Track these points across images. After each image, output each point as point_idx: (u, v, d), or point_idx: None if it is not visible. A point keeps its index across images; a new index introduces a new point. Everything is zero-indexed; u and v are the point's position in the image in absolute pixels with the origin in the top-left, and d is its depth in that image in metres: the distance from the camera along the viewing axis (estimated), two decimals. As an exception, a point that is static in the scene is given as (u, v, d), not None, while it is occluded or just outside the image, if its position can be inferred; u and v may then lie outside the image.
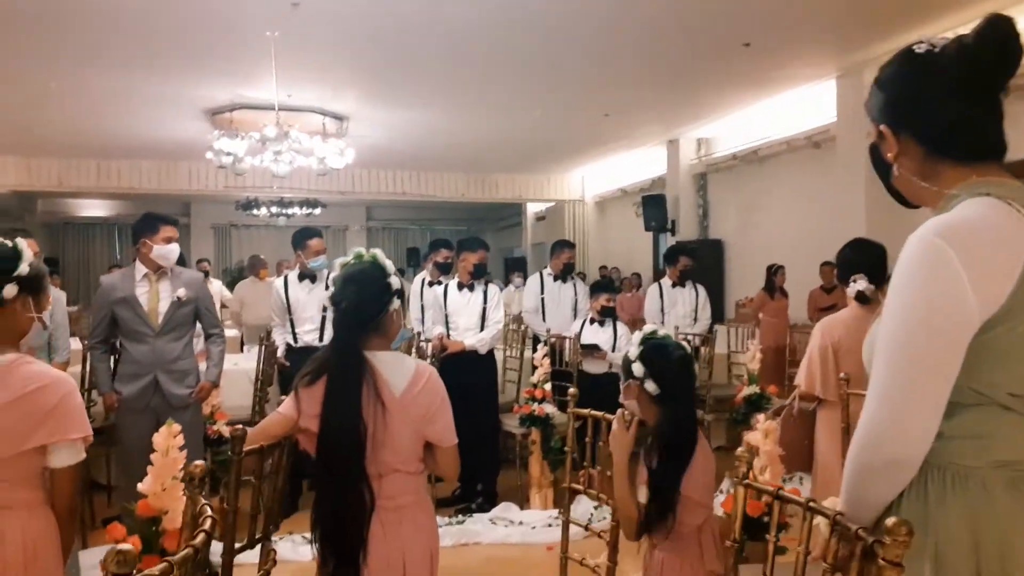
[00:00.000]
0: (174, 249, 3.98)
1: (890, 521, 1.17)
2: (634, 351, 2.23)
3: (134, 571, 1.08)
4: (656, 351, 2.21)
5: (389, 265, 2.26)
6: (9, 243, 2.06)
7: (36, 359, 2.06)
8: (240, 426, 1.97)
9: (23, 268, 2.02)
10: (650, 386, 2.17)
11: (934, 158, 1.31)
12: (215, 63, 6.78)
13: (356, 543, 2.04)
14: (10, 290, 1.98)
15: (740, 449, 1.69)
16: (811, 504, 1.47)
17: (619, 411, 2.24)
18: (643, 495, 2.12)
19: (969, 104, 1.26)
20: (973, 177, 1.27)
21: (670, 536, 2.13)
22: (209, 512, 1.41)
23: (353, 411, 2.03)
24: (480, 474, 4.82)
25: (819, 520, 1.45)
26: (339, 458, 2.03)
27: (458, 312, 5.02)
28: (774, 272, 8.12)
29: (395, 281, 2.23)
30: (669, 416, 2.16)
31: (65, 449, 1.95)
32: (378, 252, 2.29)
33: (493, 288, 5.12)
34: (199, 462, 1.63)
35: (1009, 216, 1.20)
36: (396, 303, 2.22)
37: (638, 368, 2.20)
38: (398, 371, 2.13)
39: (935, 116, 1.29)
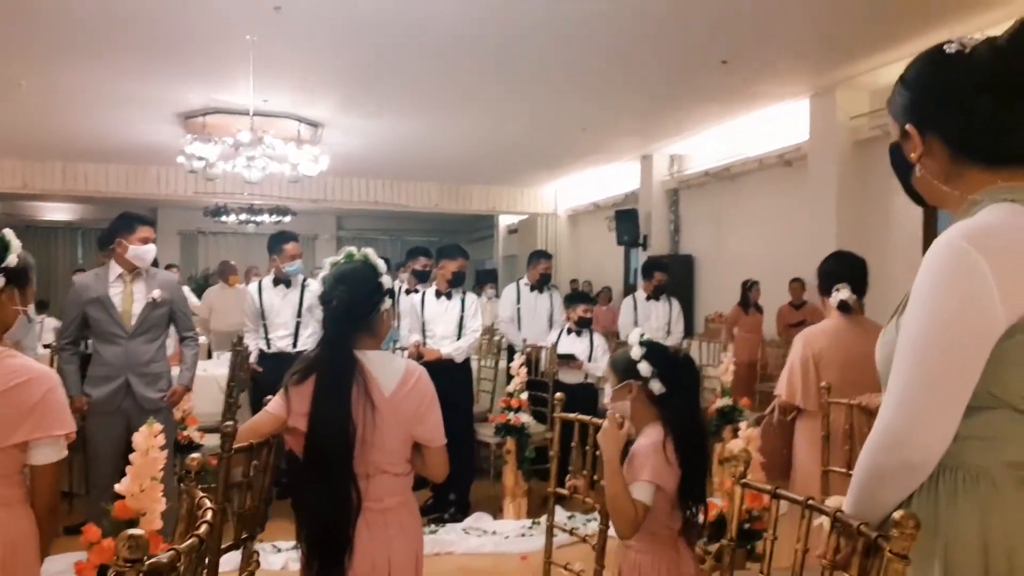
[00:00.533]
0: (150, 250, 3.92)
1: (898, 514, 1.17)
2: (637, 351, 2.22)
3: (144, 557, 1.06)
4: (661, 352, 2.24)
5: (381, 264, 2.26)
6: (-5, 235, 2.01)
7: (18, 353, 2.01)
8: (231, 423, 1.93)
9: (11, 259, 1.98)
10: (655, 385, 2.19)
11: (960, 160, 1.30)
12: (191, 65, 6.70)
13: (342, 544, 2.01)
14: (-4, 281, 1.93)
15: (737, 450, 1.70)
16: (810, 502, 1.49)
17: (610, 411, 2.23)
18: (638, 491, 2.10)
19: (999, 106, 1.25)
20: (999, 182, 1.26)
21: (649, 538, 2.16)
22: (209, 504, 1.39)
23: (343, 410, 2.01)
24: (453, 483, 4.79)
25: (821, 519, 1.45)
26: (327, 457, 2.01)
27: (435, 320, 5.01)
28: (748, 287, 8.22)
29: (386, 280, 2.23)
30: (678, 414, 2.17)
31: (48, 446, 1.91)
32: (369, 252, 2.28)
33: (471, 296, 5.12)
34: (195, 455, 1.60)
35: None
36: (387, 303, 2.21)
37: (645, 368, 2.19)
38: (388, 371, 2.11)
39: (964, 117, 1.28)
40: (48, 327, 6.92)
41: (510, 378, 4.95)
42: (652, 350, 2.23)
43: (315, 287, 5.13)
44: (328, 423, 2.00)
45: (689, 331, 8.48)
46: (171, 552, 1.18)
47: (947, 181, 1.32)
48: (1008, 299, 1.16)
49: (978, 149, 1.28)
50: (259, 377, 4.83)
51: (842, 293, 3.07)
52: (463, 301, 5.04)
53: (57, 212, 15.76)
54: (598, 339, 5.44)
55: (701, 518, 2.23)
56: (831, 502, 1.46)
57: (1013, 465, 1.22)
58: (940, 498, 1.24)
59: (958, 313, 1.18)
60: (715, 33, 5.79)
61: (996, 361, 1.19)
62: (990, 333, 1.17)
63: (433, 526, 4.52)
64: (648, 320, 6.27)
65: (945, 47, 1.30)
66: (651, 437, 2.17)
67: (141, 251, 3.86)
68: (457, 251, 5.11)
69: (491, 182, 13.18)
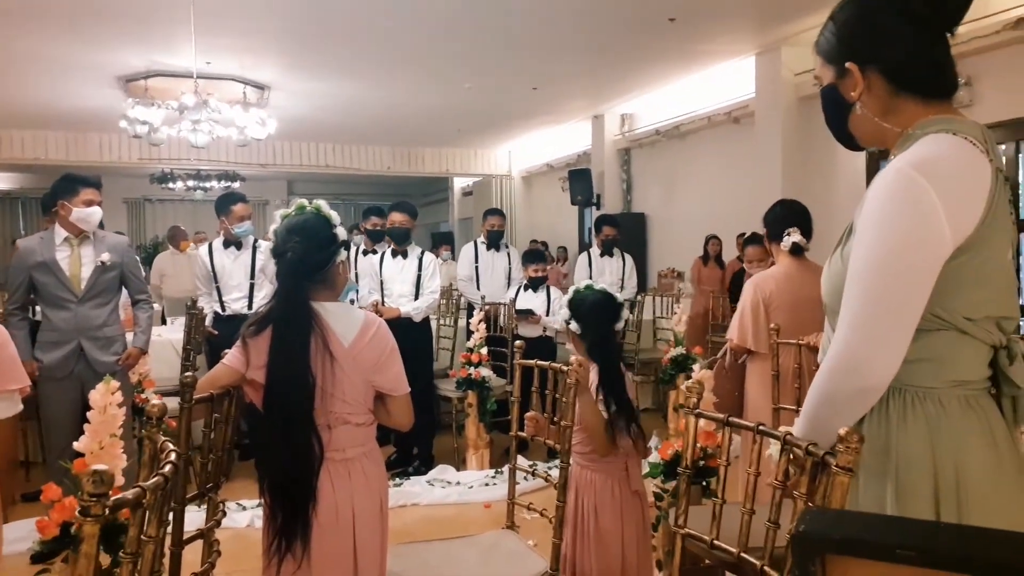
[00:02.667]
0: (95, 212, 3.83)
1: (843, 430, 1.23)
2: (564, 301, 2.66)
3: (109, 492, 1.07)
4: (577, 299, 2.61)
5: (334, 216, 2.21)
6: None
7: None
8: (190, 374, 1.92)
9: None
10: (574, 326, 2.59)
11: (899, 95, 1.34)
12: (129, 26, 6.49)
13: (305, 495, 2.01)
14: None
15: (689, 382, 1.76)
16: (761, 427, 1.55)
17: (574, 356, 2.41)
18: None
19: (932, 40, 1.31)
20: (930, 115, 1.32)
21: (603, 459, 2.47)
22: (172, 447, 1.39)
23: (301, 362, 1.99)
24: (415, 438, 4.84)
25: (771, 449, 1.51)
26: (287, 409, 1.99)
27: (392, 279, 5.00)
28: (707, 241, 8.36)
29: (341, 232, 2.20)
30: (593, 344, 2.55)
31: (2, 401, 1.89)
32: (322, 203, 2.24)
33: (428, 256, 5.09)
34: (156, 402, 1.60)
35: (971, 151, 1.26)
36: (343, 254, 2.19)
37: (564, 313, 2.63)
38: (346, 322, 2.10)
39: (905, 51, 1.32)
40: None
41: (470, 335, 4.99)
42: (572, 298, 2.62)
43: (266, 247, 5.08)
44: (287, 375, 1.98)
45: (643, 286, 8.60)
46: (136, 489, 1.19)
47: (884, 117, 1.36)
48: (954, 222, 1.22)
49: (916, 83, 1.33)
50: (215, 340, 4.78)
51: (794, 236, 3.16)
52: (420, 260, 5.02)
53: (-5, 181, 15.23)
54: (555, 292, 5.49)
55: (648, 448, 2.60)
56: (781, 429, 1.52)
57: (958, 384, 1.28)
58: (891, 420, 1.29)
59: (910, 238, 1.23)
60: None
61: (942, 283, 1.24)
62: (939, 256, 1.23)
63: (398, 479, 4.58)
64: (602, 275, 6.34)
65: None
66: (596, 368, 2.53)
67: (85, 213, 3.77)
68: (403, 206, 5.07)
69: (443, 144, 13.08)
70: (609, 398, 2.44)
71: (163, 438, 1.47)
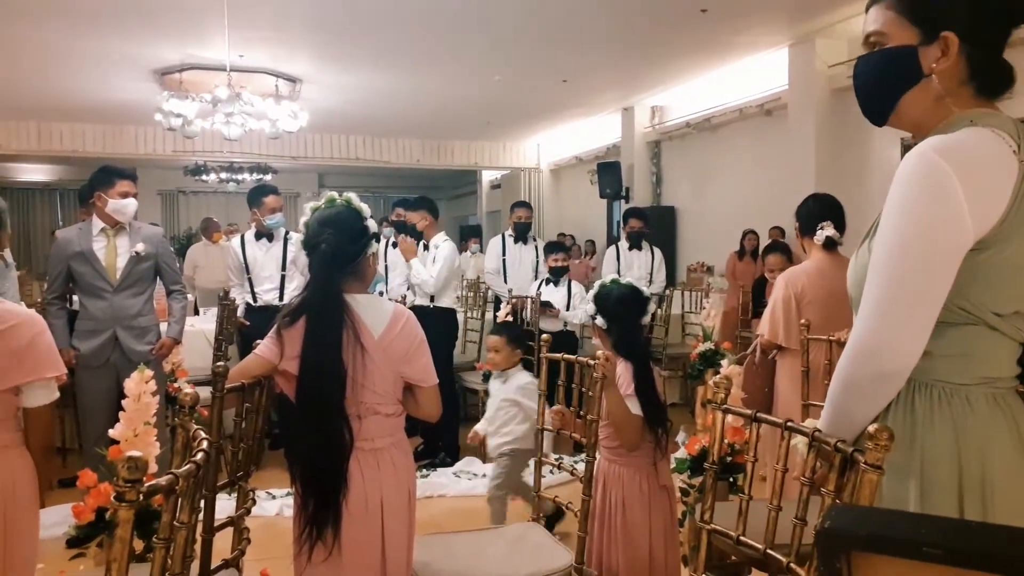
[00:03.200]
0: (130, 204, 3.89)
1: (872, 427, 1.22)
2: (590, 296, 2.66)
3: (143, 479, 1.09)
4: (603, 293, 2.63)
5: (365, 208, 2.24)
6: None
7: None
8: (222, 364, 1.95)
9: (-12, 205, 1.98)
10: (599, 321, 2.61)
11: (967, 83, 1.29)
12: (164, 20, 6.58)
13: (336, 484, 2.04)
14: (-25, 226, 1.94)
15: (717, 378, 1.75)
16: (789, 423, 1.54)
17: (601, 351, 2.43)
18: (631, 406, 2.43)
19: (1007, 38, 1.28)
20: (975, 108, 1.29)
21: (630, 453, 2.48)
22: (204, 435, 1.42)
23: (334, 352, 2.01)
24: (440, 430, 4.86)
25: (798, 439, 1.51)
26: (319, 399, 2.02)
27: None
28: (744, 236, 8.28)
29: (372, 224, 2.22)
30: (619, 338, 2.57)
31: (40, 388, 1.93)
32: (352, 196, 2.26)
33: (446, 245, 5.06)
34: (189, 390, 1.63)
35: (998, 145, 1.23)
36: (374, 247, 2.21)
37: (590, 308, 2.64)
38: (376, 314, 2.12)
39: (1002, 39, 1.28)
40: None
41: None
42: (598, 293, 2.63)
43: (297, 239, 5.13)
44: (320, 367, 2.01)
45: (672, 280, 8.55)
46: (169, 476, 1.21)
47: (940, 100, 1.31)
48: (975, 211, 1.20)
49: (988, 76, 1.30)
50: (247, 330, 4.84)
51: (827, 230, 3.13)
52: (438, 249, 5.04)
53: (34, 173, 15.55)
54: (576, 287, 5.48)
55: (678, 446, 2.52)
56: (808, 423, 1.51)
57: (986, 381, 1.26)
58: (917, 415, 1.28)
59: (933, 223, 1.21)
60: (694, -21, 5.74)
61: (965, 276, 1.22)
62: (960, 242, 1.21)
63: (425, 471, 4.61)
64: (631, 269, 6.32)
65: None
66: (622, 363, 2.53)
67: (121, 205, 3.83)
68: (417, 204, 5.14)
69: (473, 137, 13.10)
70: (640, 394, 2.45)
71: (195, 426, 1.50)
